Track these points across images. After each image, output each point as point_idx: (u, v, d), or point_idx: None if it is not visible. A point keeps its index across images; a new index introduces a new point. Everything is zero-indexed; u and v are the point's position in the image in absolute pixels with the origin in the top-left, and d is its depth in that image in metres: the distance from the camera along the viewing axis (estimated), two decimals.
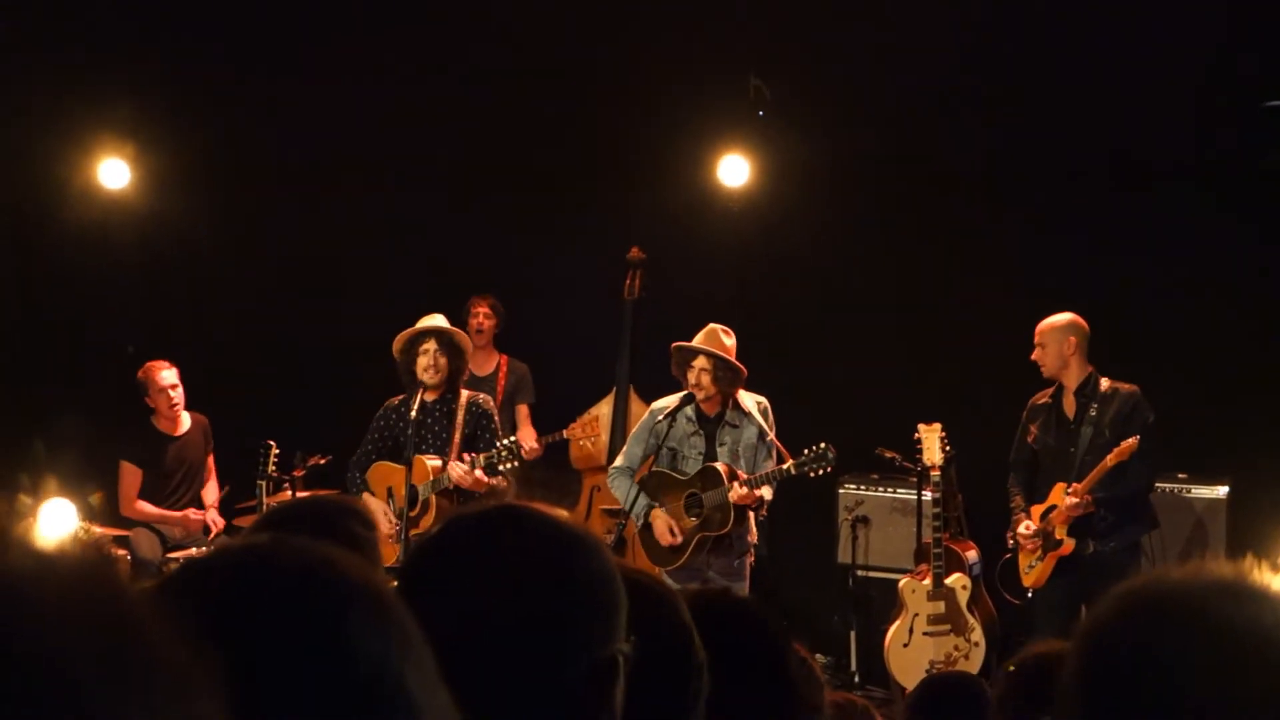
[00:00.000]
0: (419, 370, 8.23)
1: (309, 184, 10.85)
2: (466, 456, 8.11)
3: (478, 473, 8.06)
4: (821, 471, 8.07)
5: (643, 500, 8.30)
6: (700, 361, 8.13)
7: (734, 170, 10.33)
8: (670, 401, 8.33)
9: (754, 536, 8.40)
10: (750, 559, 8.39)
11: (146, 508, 9.64)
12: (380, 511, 8.13)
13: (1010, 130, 9.92)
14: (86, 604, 0.84)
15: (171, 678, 0.85)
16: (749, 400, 8.30)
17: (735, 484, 8.03)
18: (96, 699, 0.80)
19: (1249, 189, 9.65)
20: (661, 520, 8.25)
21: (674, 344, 8.29)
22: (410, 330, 8.32)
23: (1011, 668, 3.86)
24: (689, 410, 8.26)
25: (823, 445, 7.99)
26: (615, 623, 1.84)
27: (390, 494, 8.36)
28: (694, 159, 10.39)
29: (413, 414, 8.17)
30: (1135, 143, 9.76)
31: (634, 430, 8.58)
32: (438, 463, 8.21)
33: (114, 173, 10.70)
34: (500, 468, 8.11)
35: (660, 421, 8.28)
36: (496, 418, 8.51)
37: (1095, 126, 9.72)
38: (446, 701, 1.20)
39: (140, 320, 11.11)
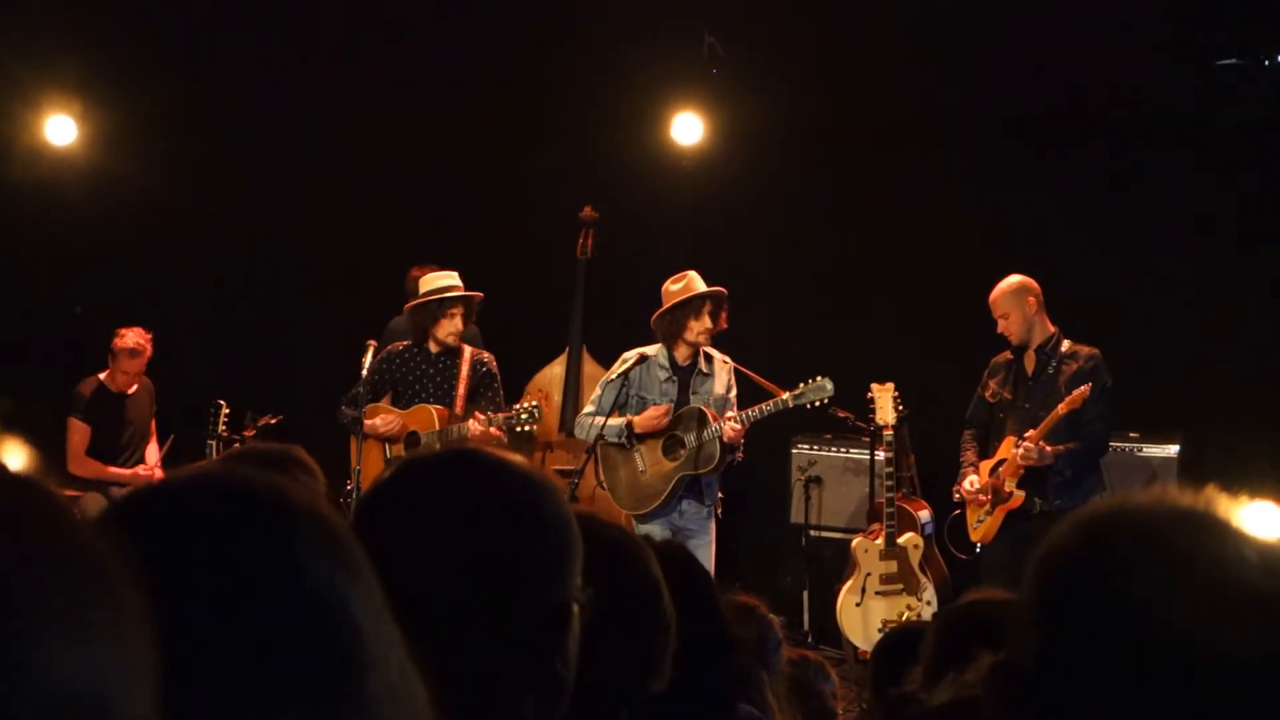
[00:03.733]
0: (441, 332, 8.52)
1: (258, 140, 10.76)
2: (480, 415, 8.28)
3: (493, 430, 8.23)
4: (820, 402, 8.18)
5: (617, 421, 8.35)
6: (707, 305, 8.21)
7: (688, 128, 10.31)
8: (640, 351, 8.39)
9: (720, 491, 8.43)
10: (719, 511, 8.43)
11: (94, 465, 9.58)
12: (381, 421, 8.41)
13: (966, 88, 9.91)
14: (18, 509, 0.81)
15: (100, 578, 0.83)
16: (717, 355, 8.39)
17: (728, 420, 8.11)
18: (23, 593, 0.77)
19: (1203, 147, 9.68)
20: (644, 417, 8.30)
21: (671, 303, 8.27)
22: (441, 295, 8.51)
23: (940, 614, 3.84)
24: (661, 358, 8.32)
25: (820, 378, 8.05)
26: (570, 568, 1.83)
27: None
28: (648, 117, 10.35)
29: (407, 363, 8.55)
30: (1091, 101, 9.78)
31: (604, 378, 8.60)
32: (445, 411, 8.42)
33: (61, 129, 10.60)
34: (519, 429, 8.34)
35: (631, 369, 8.32)
36: (499, 376, 8.73)
37: (1052, 84, 9.72)
38: (394, 635, 1.19)
39: (87, 279, 11.01)
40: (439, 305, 8.52)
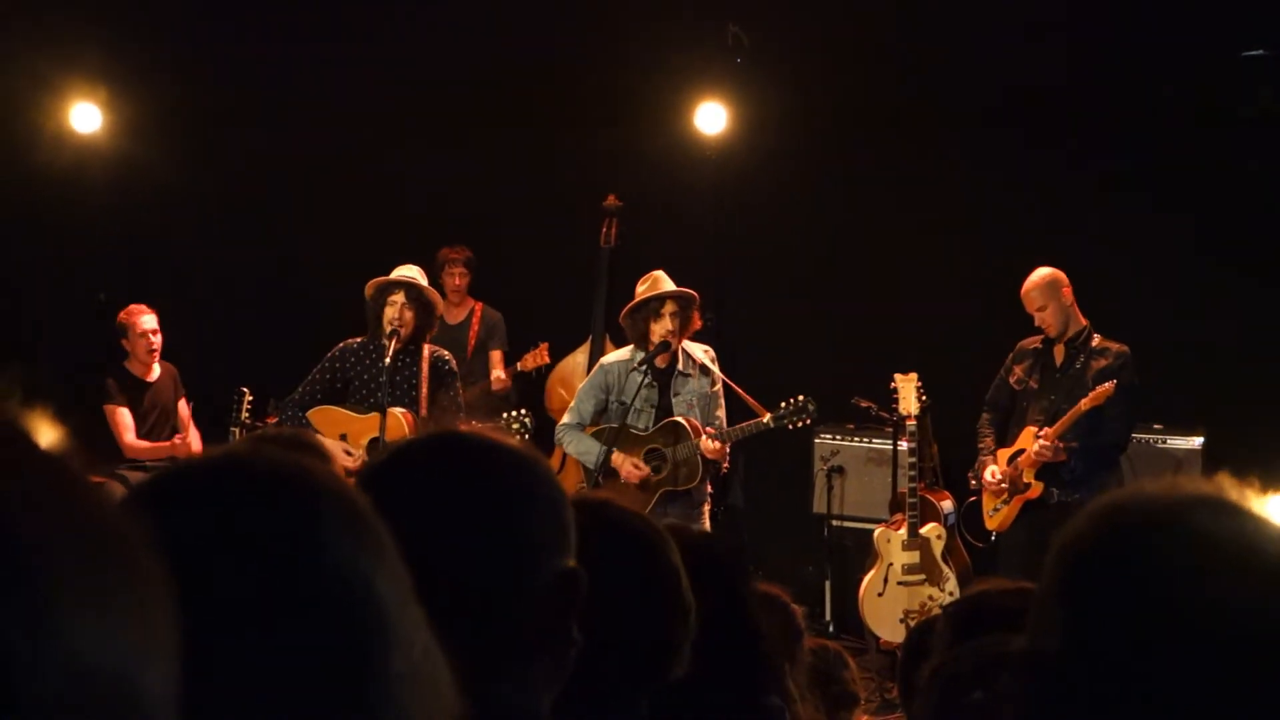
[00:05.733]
0: (385, 320, 8.02)
1: (281, 128, 10.78)
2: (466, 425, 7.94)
3: None
4: (801, 424, 8.04)
5: (599, 447, 8.17)
6: (669, 306, 8.06)
7: (712, 118, 10.29)
8: (621, 355, 8.29)
9: (709, 486, 8.34)
10: (708, 507, 8.34)
11: (145, 445, 9.62)
12: (340, 450, 7.74)
13: (989, 76, 9.87)
14: (45, 485, 0.82)
15: (124, 556, 0.83)
16: (697, 350, 8.24)
17: (706, 437, 7.99)
18: (49, 565, 0.78)
19: (1227, 138, 9.64)
20: (624, 460, 8.13)
21: (628, 306, 8.19)
22: (381, 279, 8.16)
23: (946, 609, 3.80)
24: (636, 361, 8.17)
25: (801, 398, 7.95)
26: (570, 538, 1.86)
27: (345, 440, 8.01)
28: (672, 106, 10.34)
29: (386, 361, 8.04)
30: (1114, 91, 9.74)
31: (582, 385, 8.49)
32: (410, 416, 8.08)
33: (86, 117, 10.62)
34: None
35: (611, 375, 8.22)
36: (457, 375, 8.36)
37: (1072, 75, 9.69)
38: (419, 615, 1.19)
39: (112, 266, 11.04)
40: (380, 293, 8.10)
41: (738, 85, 10.25)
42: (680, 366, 8.16)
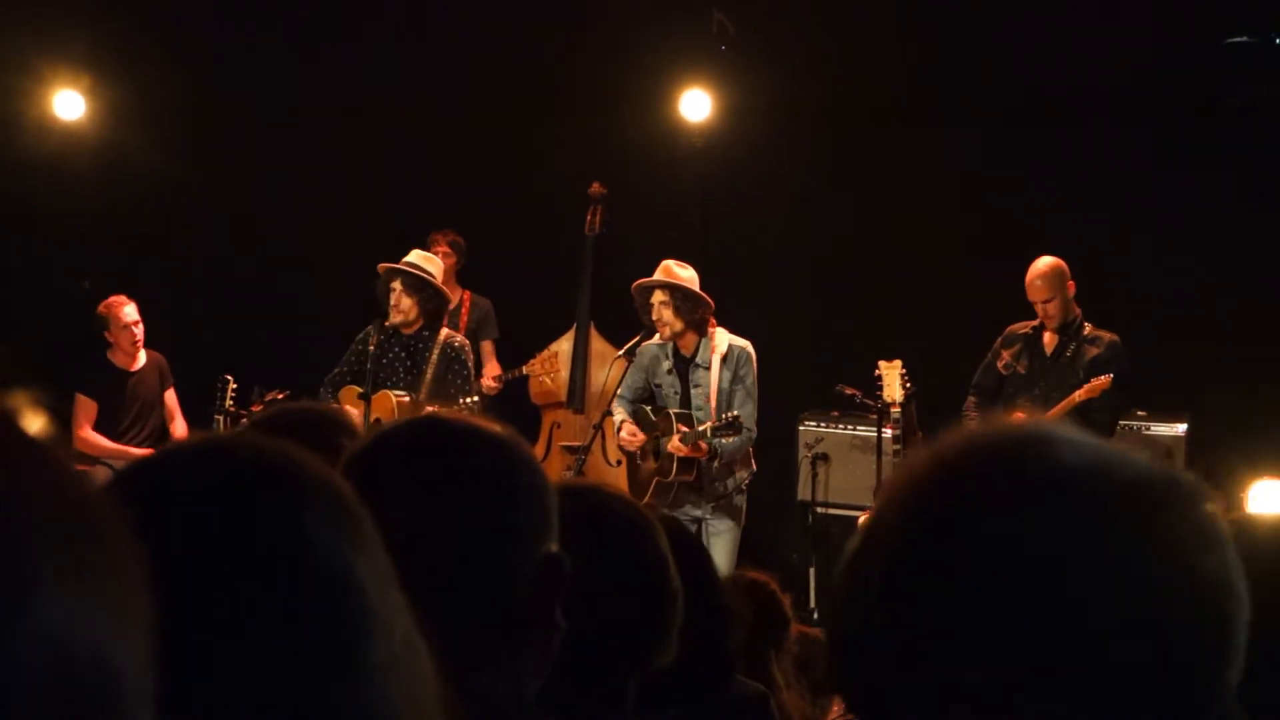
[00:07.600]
0: (390, 308, 8.28)
1: (267, 117, 10.75)
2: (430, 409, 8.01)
3: None
4: (729, 437, 8.08)
5: (621, 414, 8.45)
6: (658, 295, 8.11)
7: (696, 105, 10.28)
8: (657, 339, 8.39)
9: (739, 480, 8.39)
10: (738, 501, 8.39)
11: (99, 441, 9.55)
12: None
13: (975, 64, 9.88)
14: (29, 469, 0.82)
15: (103, 540, 0.83)
16: (724, 343, 8.26)
17: (675, 435, 8.04)
18: (32, 548, 0.78)
19: (1208, 126, 9.65)
20: (625, 427, 8.40)
21: (633, 285, 8.29)
22: (385, 265, 8.32)
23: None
24: (668, 349, 8.27)
25: (734, 413, 8.00)
26: (553, 524, 1.85)
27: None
28: (656, 93, 10.33)
29: (371, 348, 8.19)
30: (1098, 79, 9.74)
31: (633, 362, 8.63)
32: (406, 399, 8.17)
33: (69, 104, 10.57)
34: None
35: (645, 358, 8.38)
36: (470, 362, 8.47)
37: (1058, 62, 9.69)
38: (401, 603, 1.19)
39: (96, 254, 11.01)
40: (382, 280, 8.33)
41: (722, 72, 10.24)
42: (698, 358, 8.20)
